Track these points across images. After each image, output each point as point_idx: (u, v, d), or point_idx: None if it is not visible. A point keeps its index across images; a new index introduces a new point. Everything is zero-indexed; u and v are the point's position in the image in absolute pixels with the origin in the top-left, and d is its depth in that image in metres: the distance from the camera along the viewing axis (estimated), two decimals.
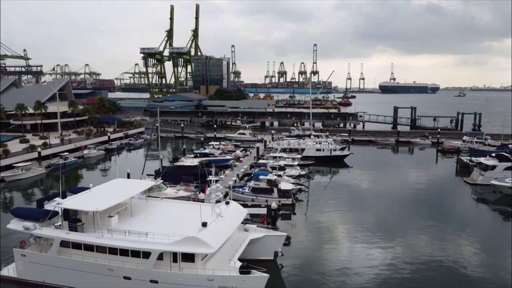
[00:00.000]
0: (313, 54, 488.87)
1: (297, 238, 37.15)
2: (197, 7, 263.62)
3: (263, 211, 38.85)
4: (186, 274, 24.78)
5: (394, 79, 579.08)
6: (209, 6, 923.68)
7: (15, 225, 28.34)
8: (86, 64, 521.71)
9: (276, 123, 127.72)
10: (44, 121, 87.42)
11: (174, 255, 25.05)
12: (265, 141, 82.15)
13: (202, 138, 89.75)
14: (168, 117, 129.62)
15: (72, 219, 27.63)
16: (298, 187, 50.88)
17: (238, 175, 56.58)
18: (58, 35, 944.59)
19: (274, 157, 65.29)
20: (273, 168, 56.28)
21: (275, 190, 46.39)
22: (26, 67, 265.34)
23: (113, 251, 25.87)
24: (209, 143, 77.73)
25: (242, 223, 31.28)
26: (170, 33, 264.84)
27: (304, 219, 44.49)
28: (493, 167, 56.23)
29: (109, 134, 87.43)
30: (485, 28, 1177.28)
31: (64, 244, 26.90)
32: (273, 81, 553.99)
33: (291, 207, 46.04)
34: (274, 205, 38.14)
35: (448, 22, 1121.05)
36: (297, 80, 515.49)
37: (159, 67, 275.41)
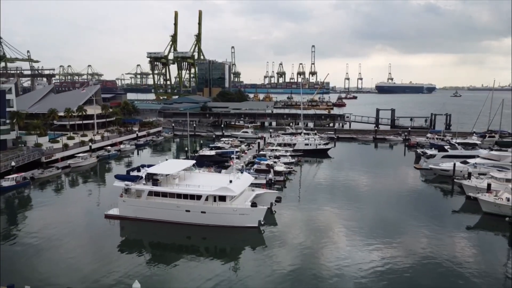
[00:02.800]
0: (311, 55, 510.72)
1: (286, 199, 57.99)
2: (200, 13, 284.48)
3: (263, 181, 59.76)
4: (221, 207, 45.63)
5: (392, 79, 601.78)
6: (208, 6, 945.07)
7: (119, 183, 49.21)
8: (89, 65, 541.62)
9: (274, 123, 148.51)
10: (83, 122, 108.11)
11: (214, 197, 45.89)
12: (265, 138, 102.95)
13: (213, 136, 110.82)
14: (179, 118, 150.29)
15: (153, 179, 48.50)
16: (289, 169, 71.87)
17: (244, 162, 77.38)
18: (56, 34, 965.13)
19: (272, 150, 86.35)
20: (270, 157, 77.21)
21: (272, 170, 67.20)
22: (39, 70, 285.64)
23: (179, 196, 46.71)
24: (221, 139, 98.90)
25: (249, 186, 52.17)
26: (174, 38, 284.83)
27: (292, 190, 65.18)
28: (434, 156, 77.32)
29: (137, 133, 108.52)
30: (483, 27, 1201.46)
31: (150, 193, 47.72)
32: (272, 81, 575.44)
33: (283, 182, 66.72)
34: (271, 176, 59.08)
35: (447, 21, 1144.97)
36: (296, 80, 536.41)
37: (163, 70, 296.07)
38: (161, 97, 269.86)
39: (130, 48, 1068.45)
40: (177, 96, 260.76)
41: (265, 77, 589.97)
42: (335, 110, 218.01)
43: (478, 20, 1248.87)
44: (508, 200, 49.51)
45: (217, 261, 40.14)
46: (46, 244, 42.25)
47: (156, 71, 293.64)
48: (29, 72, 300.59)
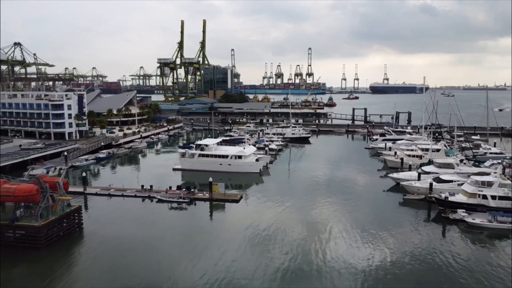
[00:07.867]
0: (308, 57, 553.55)
1: (275, 163, 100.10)
2: (204, 22, 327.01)
3: (263, 153, 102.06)
4: (239, 162, 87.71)
5: (387, 79, 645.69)
6: (206, 7, 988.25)
7: (182, 150, 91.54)
8: (93, 68, 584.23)
9: (271, 120, 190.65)
10: (126, 119, 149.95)
11: (236, 156, 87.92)
12: (263, 130, 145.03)
13: (224, 129, 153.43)
14: (193, 116, 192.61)
15: (200, 148, 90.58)
16: (279, 148, 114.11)
17: (249, 144, 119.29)
18: (56, 35, 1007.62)
19: (268, 137, 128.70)
20: (267, 141, 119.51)
21: (267, 148, 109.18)
22: (59, 75, 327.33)
23: (216, 156, 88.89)
24: (232, 130, 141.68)
25: (253, 153, 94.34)
26: (181, 45, 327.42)
27: (280, 159, 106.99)
28: (376, 139, 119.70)
29: (168, 127, 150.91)
30: (479, 27, 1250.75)
31: (199, 155, 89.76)
32: (271, 82, 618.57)
33: (275, 156, 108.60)
34: (266, 149, 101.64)
35: (443, 21, 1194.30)
36: (293, 81, 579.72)
37: (171, 74, 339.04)
38: (170, 99, 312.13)
39: (129, 49, 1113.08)
40: (183, 98, 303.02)
41: (263, 78, 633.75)
42: (326, 110, 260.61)
43: (474, 20, 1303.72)
44: (401, 159, 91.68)
45: (237, 190, 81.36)
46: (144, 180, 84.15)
47: (157, 74, 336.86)
48: (47, 77, 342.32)
